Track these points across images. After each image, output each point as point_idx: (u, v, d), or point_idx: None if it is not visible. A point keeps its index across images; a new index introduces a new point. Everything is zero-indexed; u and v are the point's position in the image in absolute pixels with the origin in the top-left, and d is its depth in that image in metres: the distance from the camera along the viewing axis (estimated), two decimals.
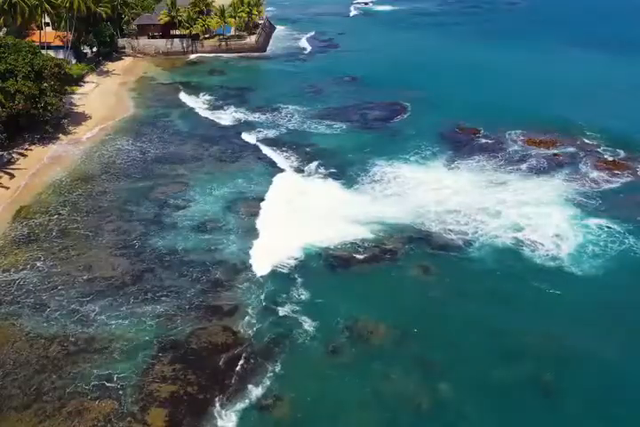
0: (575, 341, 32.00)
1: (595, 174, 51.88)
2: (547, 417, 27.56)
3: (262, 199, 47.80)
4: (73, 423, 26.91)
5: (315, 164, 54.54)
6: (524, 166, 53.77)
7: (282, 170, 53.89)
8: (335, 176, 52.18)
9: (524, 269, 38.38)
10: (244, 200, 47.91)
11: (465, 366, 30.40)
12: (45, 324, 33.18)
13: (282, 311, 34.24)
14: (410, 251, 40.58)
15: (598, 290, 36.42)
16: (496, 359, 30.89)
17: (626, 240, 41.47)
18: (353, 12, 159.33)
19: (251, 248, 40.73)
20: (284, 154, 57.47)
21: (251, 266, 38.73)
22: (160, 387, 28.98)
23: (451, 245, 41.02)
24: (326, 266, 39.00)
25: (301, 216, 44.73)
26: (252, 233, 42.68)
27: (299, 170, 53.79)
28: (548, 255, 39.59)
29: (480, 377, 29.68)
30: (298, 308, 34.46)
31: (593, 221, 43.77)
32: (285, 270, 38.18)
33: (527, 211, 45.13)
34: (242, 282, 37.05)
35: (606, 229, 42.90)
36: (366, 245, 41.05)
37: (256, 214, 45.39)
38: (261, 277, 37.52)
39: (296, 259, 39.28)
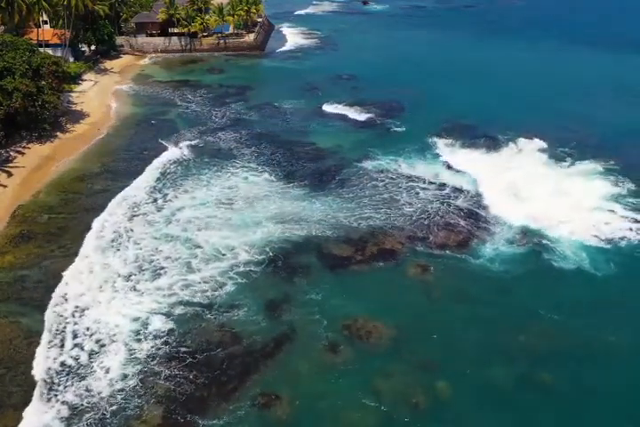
0: (575, 338, 32.19)
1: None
2: (546, 417, 27.67)
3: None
4: None
5: (301, 164, 54.32)
6: (522, 165, 53.63)
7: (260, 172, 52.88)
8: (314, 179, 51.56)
9: (524, 267, 38.59)
10: None
11: (464, 364, 30.47)
12: (45, 321, 33.07)
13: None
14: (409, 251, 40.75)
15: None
16: (496, 358, 31.00)
17: None
18: (350, 11, 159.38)
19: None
20: (272, 154, 56.87)
21: None
22: (157, 385, 29.09)
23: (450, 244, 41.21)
24: None
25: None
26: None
27: (279, 175, 52.42)
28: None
29: (479, 376, 29.75)
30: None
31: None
32: None
33: (527, 210, 45.07)
34: None
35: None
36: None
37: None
38: None
39: None
